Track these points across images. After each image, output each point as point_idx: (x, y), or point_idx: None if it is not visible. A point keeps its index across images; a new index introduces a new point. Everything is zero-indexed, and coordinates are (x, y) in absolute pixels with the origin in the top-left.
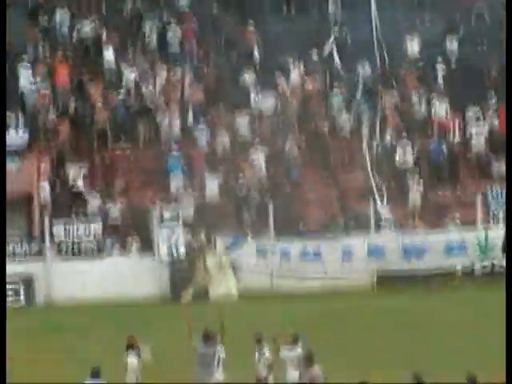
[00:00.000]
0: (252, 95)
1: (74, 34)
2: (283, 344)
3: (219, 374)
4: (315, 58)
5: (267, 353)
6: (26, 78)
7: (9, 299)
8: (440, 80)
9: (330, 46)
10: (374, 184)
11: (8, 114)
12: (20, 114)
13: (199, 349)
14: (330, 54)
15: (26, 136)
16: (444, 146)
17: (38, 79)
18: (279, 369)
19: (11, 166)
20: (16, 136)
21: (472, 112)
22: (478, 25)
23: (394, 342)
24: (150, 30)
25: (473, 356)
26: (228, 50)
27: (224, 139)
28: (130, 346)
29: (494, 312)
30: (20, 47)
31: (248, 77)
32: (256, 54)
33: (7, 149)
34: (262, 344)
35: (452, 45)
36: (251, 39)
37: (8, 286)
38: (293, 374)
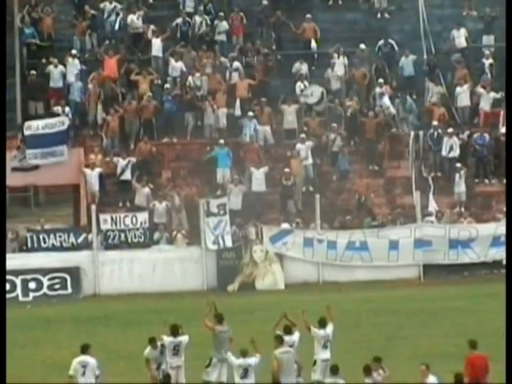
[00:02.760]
0: (300, 86)
1: (122, 26)
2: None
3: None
4: (362, 49)
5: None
6: (73, 70)
7: (56, 290)
8: (487, 71)
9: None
10: (420, 175)
11: (56, 107)
12: (66, 108)
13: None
14: (379, 47)
15: (66, 120)
16: (490, 137)
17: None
18: None
19: (58, 157)
20: (54, 120)
21: None
22: None
23: (441, 330)
24: (198, 21)
25: None
26: (278, 42)
27: (271, 130)
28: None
29: None
30: (67, 40)
31: (299, 68)
32: (313, 45)
33: (48, 132)
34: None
35: (498, 38)
36: (307, 32)
37: (55, 276)
38: (322, 353)
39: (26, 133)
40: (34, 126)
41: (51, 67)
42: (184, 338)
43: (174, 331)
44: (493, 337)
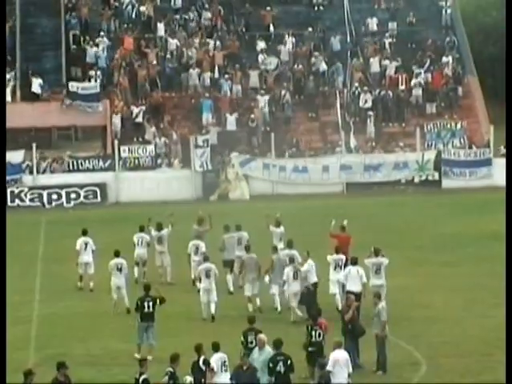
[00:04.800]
0: (261, 58)
1: (136, 13)
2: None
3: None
4: (305, 32)
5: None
6: (102, 45)
7: (90, 199)
8: (389, 48)
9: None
10: (344, 120)
11: (90, 71)
12: (98, 71)
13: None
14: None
15: (98, 85)
16: (392, 94)
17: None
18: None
19: (92, 105)
20: (90, 84)
21: (413, 70)
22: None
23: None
24: (191, 13)
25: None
26: (246, 26)
27: (241, 88)
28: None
29: (428, 207)
30: (97, 24)
31: (260, 44)
32: (271, 28)
33: (85, 92)
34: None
35: (399, 24)
36: (266, 19)
37: (89, 189)
38: (279, 244)
39: (71, 90)
40: (76, 86)
41: (87, 47)
42: (165, 232)
43: (159, 227)
44: (397, 232)
